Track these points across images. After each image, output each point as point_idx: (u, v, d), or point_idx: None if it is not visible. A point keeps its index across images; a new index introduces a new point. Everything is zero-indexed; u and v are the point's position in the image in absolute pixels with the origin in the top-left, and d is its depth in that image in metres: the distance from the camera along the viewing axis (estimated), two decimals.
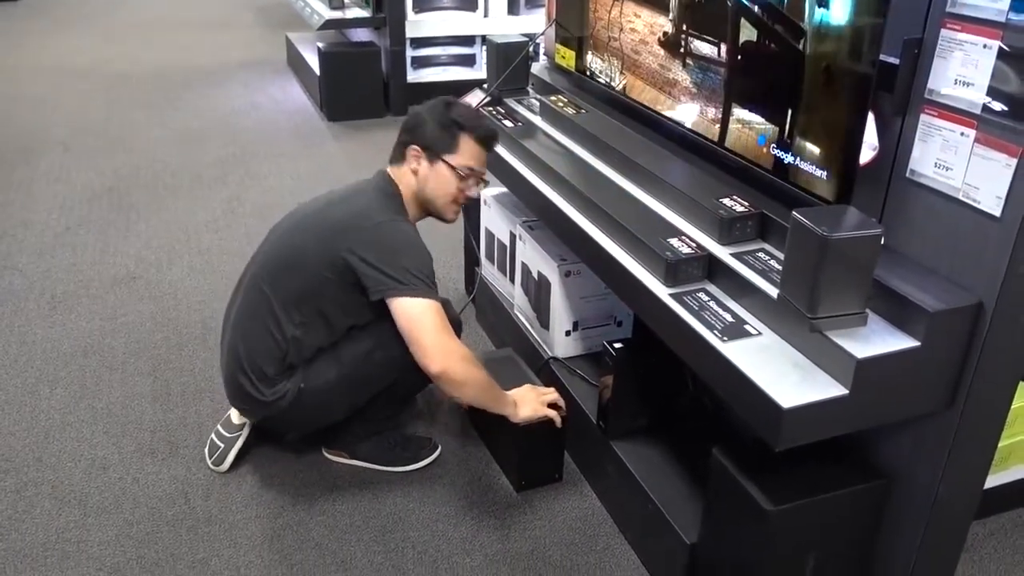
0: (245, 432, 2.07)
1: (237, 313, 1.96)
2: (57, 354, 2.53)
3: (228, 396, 2.02)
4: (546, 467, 2.06)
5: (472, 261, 2.82)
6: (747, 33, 1.67)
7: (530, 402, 1.93)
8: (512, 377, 2.10)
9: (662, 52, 1.96)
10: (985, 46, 1.24)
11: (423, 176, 1.91)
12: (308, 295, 1.85)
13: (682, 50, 1.88)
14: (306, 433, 2.11)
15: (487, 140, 1.95)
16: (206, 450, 2.09)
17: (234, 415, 2.07)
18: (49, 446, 2.15)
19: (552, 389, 2.02)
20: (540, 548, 1.88)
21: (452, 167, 1.90)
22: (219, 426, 2.09)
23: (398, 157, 1.94)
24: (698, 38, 1.81)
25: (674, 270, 1.55)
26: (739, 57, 1.71)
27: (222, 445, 2.06)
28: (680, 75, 1.90)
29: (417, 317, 1.77)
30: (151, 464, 2.09)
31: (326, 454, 2.12)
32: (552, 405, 1.96)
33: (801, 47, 1.54)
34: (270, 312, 1.87)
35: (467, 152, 1.91)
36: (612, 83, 2.21)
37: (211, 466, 2.06)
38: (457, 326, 2.10)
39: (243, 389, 1.92)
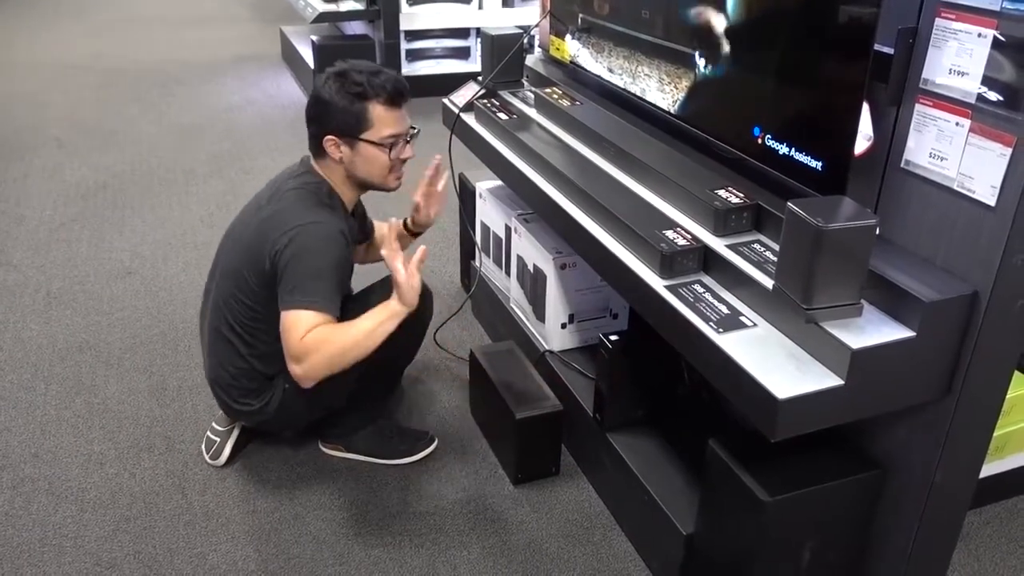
0: (239, 425, 2.07)
1: (209, 335, 1.95)
2: (53, 350, 2.52)
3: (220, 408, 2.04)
4: (543, 460, 2.06)
5: (468, 254, 2.82)
6: (742, 24, 1.67)
7: (405, 290, 1.68)
8: (513, 369, 2.11)
9: (657, 43, 1.95)
10: (980, 35, 1.23)
11: (349, 161, 1.82)
12: (262, 316, 1.83)
13: (677, 41, 1.88)
14: (303, 428, 2.10)
15: (395, 99, 1.80)
16: (203, 446, 2.09)
17: None
18: (45, 442, 2.14)
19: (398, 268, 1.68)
20: (537, 540, 1.89)
21: (374, 143, 1.80)
22: (214, 422, 2.10)
23: (318, 151, 1.85)
24: (693, 29, 1.81)
25: (669, 262, 1.55)
26: (735, 48, 1.71)
27: (217, 440, 2.06)
28: (676, 66, 1.89)
29: (281, 327, 1.70)
30: (148, 459, 2.09)
31: (323, 448, 2.12)
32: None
33: (796, 36, 1.53)
34: (237, 336, 1.87)
35: (381, 121, 1.79)
36: (606, 72, 2.20)
37: (209, 461, 2.06)
38: (427, 299, 2.03)
39: (230, 406, 1.96)
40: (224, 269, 1.90)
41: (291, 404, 1.91)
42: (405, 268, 1.66)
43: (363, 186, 1.90)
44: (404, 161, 1.88)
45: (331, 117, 1.79)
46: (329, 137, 1.80)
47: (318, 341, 1.67)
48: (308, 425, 2.09)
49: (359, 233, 2.13)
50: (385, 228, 2.23)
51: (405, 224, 2.19)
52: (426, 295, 2.07)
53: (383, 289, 2.01)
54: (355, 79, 1.78)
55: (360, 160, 1.83)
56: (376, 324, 1.70)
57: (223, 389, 1.94)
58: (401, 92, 1.82)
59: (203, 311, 2.01)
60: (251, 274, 1.81)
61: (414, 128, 1.88)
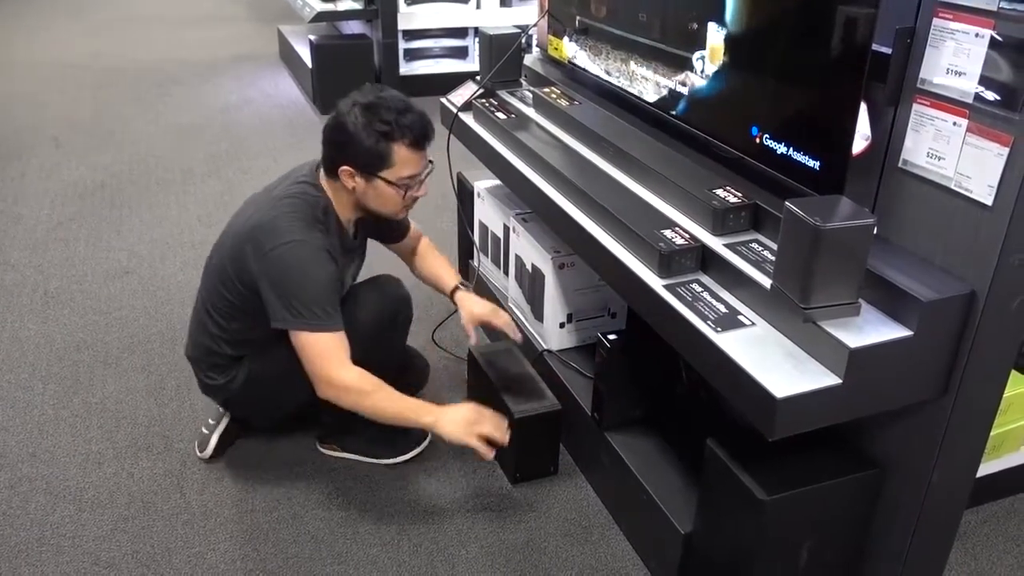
0: (227, 419, 2.10)
1: (192, 319, 2.00)
2: (50, 349, 2.52)
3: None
4: (541, 459, 2.06)
5: (466, 254, 2.82)
6: (740, 24, 1.67)
7: (457, 425, 1.78)
8: (511, 369, 2.10)
9: (655, 43, 1.96)
10: (977, 35, 1.24)
11: (362, 192, 1.82)
12: (239, 308, 1.87)
13: (676, 41, 1.88)
14: (272, 418, 2.10)
15: (420, 141, 1.79)
16: (196, 442, 2.10)
17: None
18: (43, 441, 2.14)
19: (496, 421, 1.83)
20: (536, 539, 1.89)
21: (390, 182, 1.79)
22: (208, 417, 2.12)
23: (330, 173, 1.82)
24: (691, 29, 1.81)
25: (668, 261, 1.55)
26: (733, 48, 1.71)
27: (206, 432, 2.09)
28: (674, 66, 1.90)
29: (302, 349, 1.77)
30: (146, 459, 2.09)
31: (320, 448, 2.12)
32: (488, 441, 1.80)
33: (794, 36, 1.54)
34: (213, 322, 1.92)
35: (402, 162, 1.78)
36: (604, 74, 2.20)
37: (197, 453, 2.08)
38: (404, 303, 2.06)
39: (201, 380, 2.03)
40: (218, 258, 1.92)
41: (254, 387, 1.95)
42: (479, 436, 1.78)
43: (369, 213, 1.90)
44: (416, 199, 1.88)
45: (353, 150, 1.76)
46: (346, 168, 1.79)
47: (362, 392, 1.77)
48: (278, 417, 2.09)
49: (388, 233, 2.14)
50: (425, 246, 2.22)
51: (454, 290, 2.15)
52: (403, 299, 2.07)
53: (367, 287, 2.03)
54: (383, 117, 1.74)
55: (373, 194, 1.82)
56: (407, 416, 1.81)
57: (194, 363, 2.02)
58: (427, 135, 1.80)
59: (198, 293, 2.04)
60: (234, 273, 1.84)
61: (431, 162, 1.87)
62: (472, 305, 2.10)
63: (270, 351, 1.89)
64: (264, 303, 1.78)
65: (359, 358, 1.81)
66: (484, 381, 2.11)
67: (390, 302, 2.02)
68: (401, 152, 1.77)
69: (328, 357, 1.77)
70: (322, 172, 1.87)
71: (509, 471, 2.05)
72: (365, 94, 1.78)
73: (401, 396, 1.80)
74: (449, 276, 2.17)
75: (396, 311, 2.03)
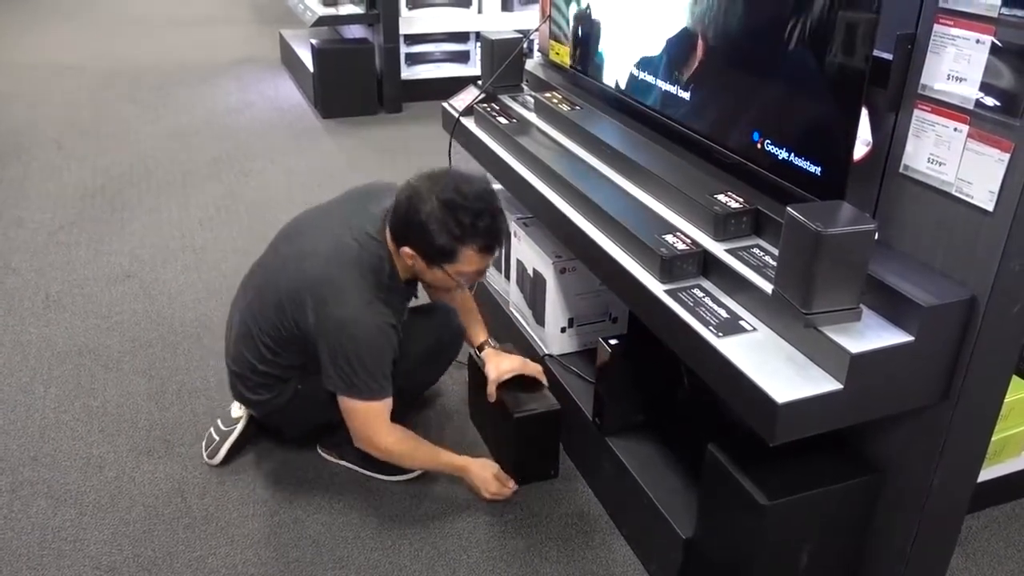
0: (240, 427, 2.09)
1: (238, 327, 1.96)
2: (52, 353, 2.52)
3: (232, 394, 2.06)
4: (542, 464, 2.06)
5: None
6: (742, 29, 1.68)
7: (475, 490, 1.97)
8: (514, 375, 2.10)
9: (657, 47, 1.96)
10: (978, 41, 1.24)
11: (420, 270, 1.80)
12: (293, 341, 1.86)
13: (677, 47, 1.88)
14: (305, 430, 2.11)
15: (491, 248, 1.75)
16: (203, 442, 2.10)
17: (234, 409, 2.10)
18: (44, 445, 2.14)
19: (508, 489, 1.98)
20: (536, 544, 1.89)
21: (450, 275, 1.78)
22: (218, 420, 2.12)
23: (396, 242, 1.78)
24: (693, 35, 1.81)
25: (669, 266, 1.56)
26: (734, 53, 1.71)
27: (217, 438, 2.08)
28: (675, 71, 1.90)
29: (348, 412, 1.84)
30: (147, 463, 2.09)
31: (320, 452, 2.12)
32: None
33: (796, 42, 1.54)
34: (266, 347, 1.89)
35: (467, 261, 1.74)
36: (606, 78, 2.21)
37: (205, 458, 2.08)
38: (454, 345, 2.14)
39: (243, 395, 2.00)
40: (271, 283, 1.88)
41: (301, 404, 1.96)
42: (501, 487, 1.96)
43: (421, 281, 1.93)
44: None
45: (422, 239, 1.72)
46: (409, 251, 1.75)
47: (401, 455, 1.91)
48: (311, 429, 2.09)
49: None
50: (463, 297, 2.19)
51: (483, 345, 2.12)
52: (455, 339, 2.12)
53: (424, 316, 2.07)
54: (460, 219, 1.68)
55: (430, 276, 1.82)
56: (432, 471, 2.01)
57: (239, 378, 1.98)
58: (499, 241, 1.76)
59: (241, 295, 2.01)
60: (291, 315, 1.81)
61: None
62: (500, 362, 2.04)
63: (317, 373, 1.89)
64: (319, 358, 1.80)
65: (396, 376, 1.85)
66: (485, 383, 2.10)
67: (443, 338, 2.08)
68: (468, 253, 1.73)
69: (372, 422, 1.84)
70: (390, 239, 1.81)
71: (510, 475, 2.05)
72: (447, 186, 1.70)
73: (432, 456, 1.94)
74: (478, 331, 2.14)
75: (445, 352, 2.10)
